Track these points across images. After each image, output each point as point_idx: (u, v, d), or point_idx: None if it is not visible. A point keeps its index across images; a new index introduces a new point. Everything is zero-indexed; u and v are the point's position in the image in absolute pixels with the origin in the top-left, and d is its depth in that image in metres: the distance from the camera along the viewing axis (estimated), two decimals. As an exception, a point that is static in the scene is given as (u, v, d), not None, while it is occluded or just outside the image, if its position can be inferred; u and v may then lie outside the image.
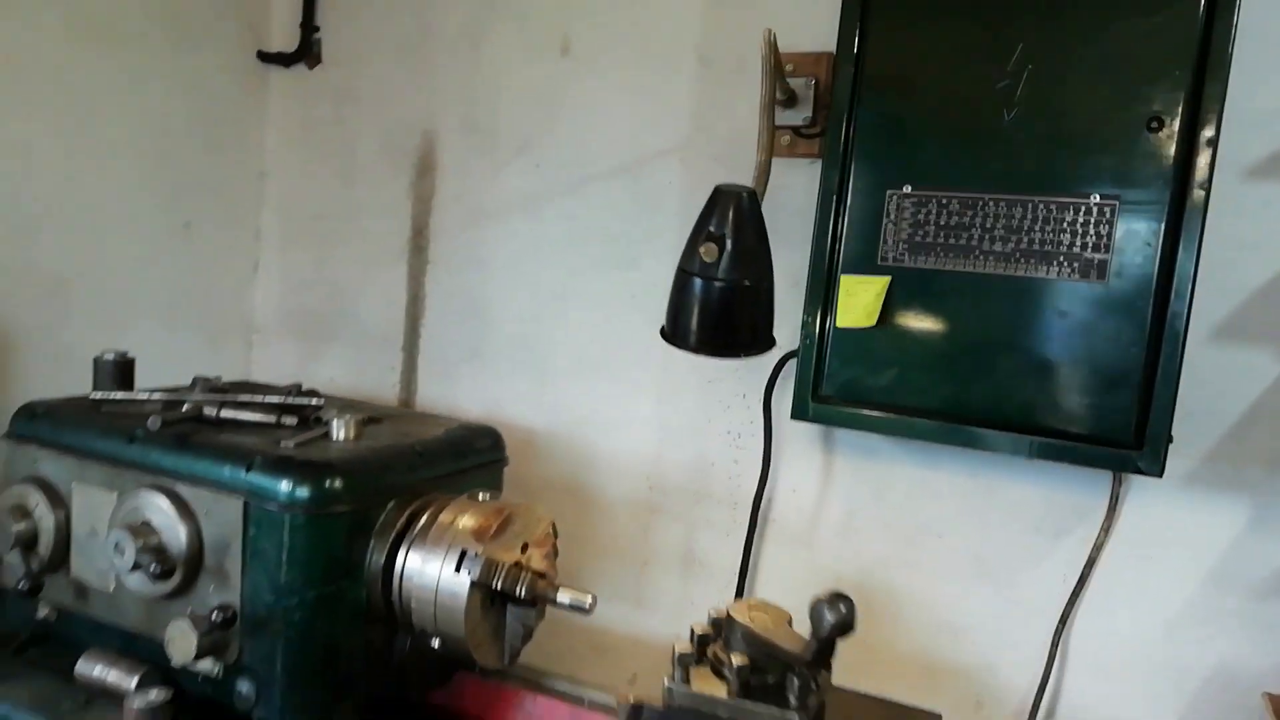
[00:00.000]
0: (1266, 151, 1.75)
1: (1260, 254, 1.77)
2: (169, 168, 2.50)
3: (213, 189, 2.65)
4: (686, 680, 1.10)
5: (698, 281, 1.35)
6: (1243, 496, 1.81)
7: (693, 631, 1.15)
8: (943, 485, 2.04)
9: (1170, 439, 1.74)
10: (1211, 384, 1.81)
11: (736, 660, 1.08)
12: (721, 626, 1.15)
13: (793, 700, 1.06)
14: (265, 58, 2.72)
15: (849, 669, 1.75)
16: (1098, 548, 1.89)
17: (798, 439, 2.16)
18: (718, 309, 1.36)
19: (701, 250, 1.31)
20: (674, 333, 1.45)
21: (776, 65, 1.61)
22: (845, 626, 1.03)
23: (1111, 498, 1.87)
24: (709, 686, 1.10)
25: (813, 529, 2.17)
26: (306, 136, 2.75)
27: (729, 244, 1.31)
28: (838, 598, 1.03)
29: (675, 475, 2.31)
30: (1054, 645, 1.93)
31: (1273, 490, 1.79)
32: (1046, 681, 1.94)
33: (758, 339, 1.46)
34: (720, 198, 1.35)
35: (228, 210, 2.72)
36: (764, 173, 1.53)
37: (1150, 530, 1.88)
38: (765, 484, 2.14)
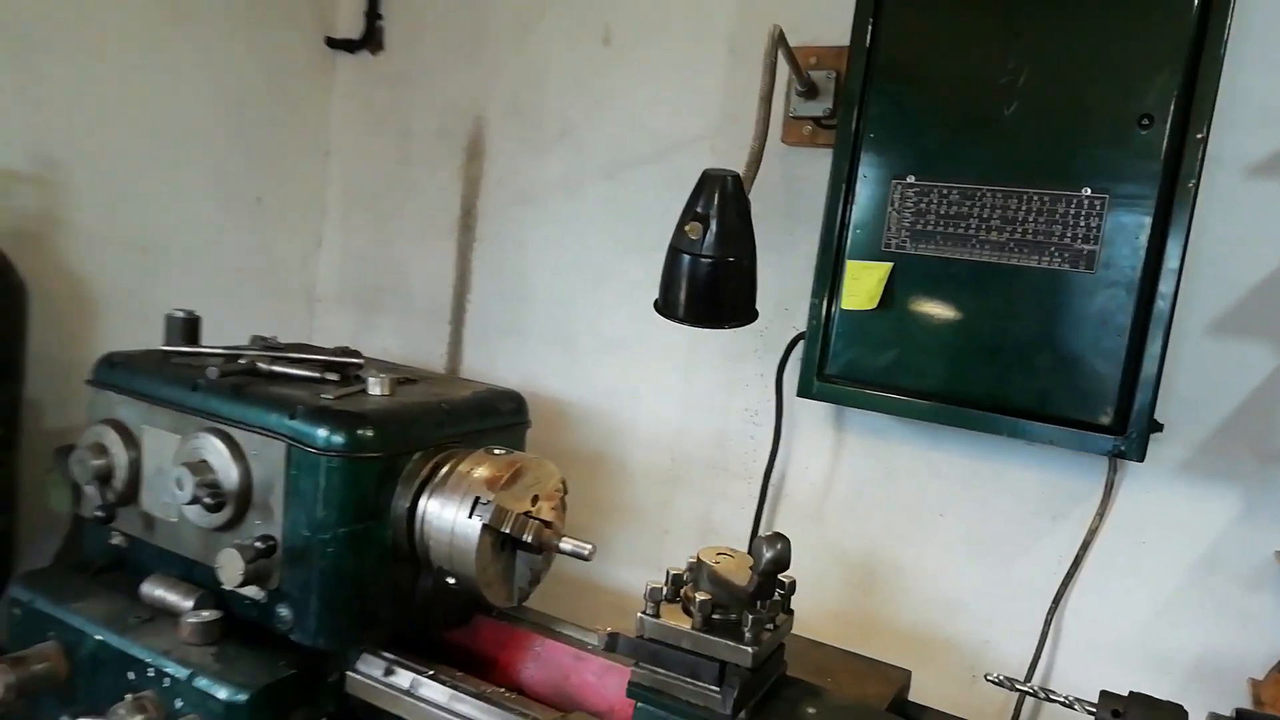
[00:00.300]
0: (1265, 152, 1.79)
1: (1257, 251, 1.81)
2: (243, 144, 2.72)
3: (282, 165, 2.86)
4: (657, 614, 1.24)
5: (685, 257, 1.48)
6: (1234, 487, 1.86)
7: (668, 573, 1.28)
8: (946, 466, 2.12)
9: (1158, 427, 1.81)
10: (1207, 376, 1.86)
11: (700, 597, 1.21)
12: (694, 569, 1.28)
13: (747, 635, 1.18)
14: (333, 43, 2.92)
15: (852, 638, 1.87)
16: (1092, 532, 1.96)
17: (811, 418, 2.26)
18: (703, 283, 1.48)
19: (688, 229, 1.43)
20: (665, 305, 1.57)
21: (790, 59, 1.72)
22: (781, 562, 1.14)
23: (1107, 484, 1.94)
24: (676, 620, 1.23)
25: (822, 504, 2.27)
26: (368, 118, 2.94)
27: (713, 223, 1.43)
28: (776, 537, 1.15)
29: (696, 449, 2.43)
30: (1047, 624, 2.01)
31: (1263, 483, 1.84)
32: (1039, 658, 2.02)
33: (740, 311, 1.58)
34: (706, 181, 1.47)
35: (295, 186, 2.93)
36: (755, 159, 1.64)
37: (1144, 516, 1.94)
38: (775, 459, 2.25)
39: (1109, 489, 1.94)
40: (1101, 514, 1.95)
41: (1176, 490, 1.91)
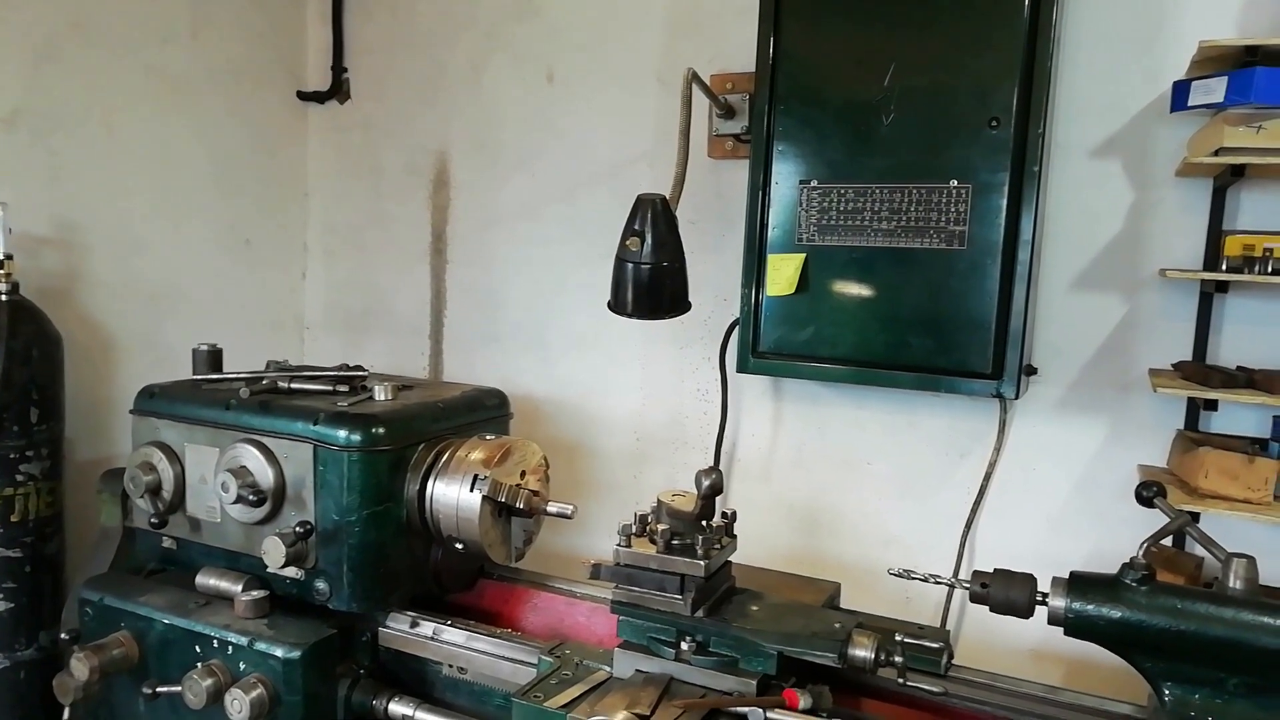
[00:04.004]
0: (1103, 136, 2.18)
1: (1103, 220, 2.20)
2: (231, 194, 3.03)
3: (266, 209, 3.18)
4: (629, 545, 1.58)
5: (629, 265, 1.83)
6: (1101, 416, 2.25)
7: (635, 514, 1.62)
8: (870, 422, 2.49)
9: (1034, 371, 2.18)
10: (1071, 326, 2.25)
11: (661, 528, 1.55)
12: (655, 509, 1.62)
13: (699, 552, 1.52)
14: (304, 96, 3.23)
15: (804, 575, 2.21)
16: (992, 465, 2.34)
17: (752, 392, 2.62)
18: (644, 285, 1.83)
19: (628, 242, 1.78)
20: (616, 304, 1.92)
21: (706, 91, 2.07)
22: (716, 487, 1.49)
23: (1000, 423, 2.32)
24: (644, 548, 1.57)
25: (769, 465, 2.63)
26: (341, 161, 3.26)
27: (648, 237, 1.78)
28: (711, 469, 1.49)
29: (656, 429, 2.78)
30: (961, 546, 2.38)
31: (1122, 410, 2.22)
32: (957, 573, 2.38)
33: (676, 304, 1.94)
34: (640, 204, 1.82)
35: (279, 227, 3.24)
36: (679, 181, 1.99)
37: (1032, 448, 2.32)
38: (724, 430, 2.61)
39: (1002, 427, 2.32)
40: (998, 449, 2.33)
41: (1055, 423, 2.29)
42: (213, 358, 2.21)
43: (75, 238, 2.56)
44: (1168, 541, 2.13)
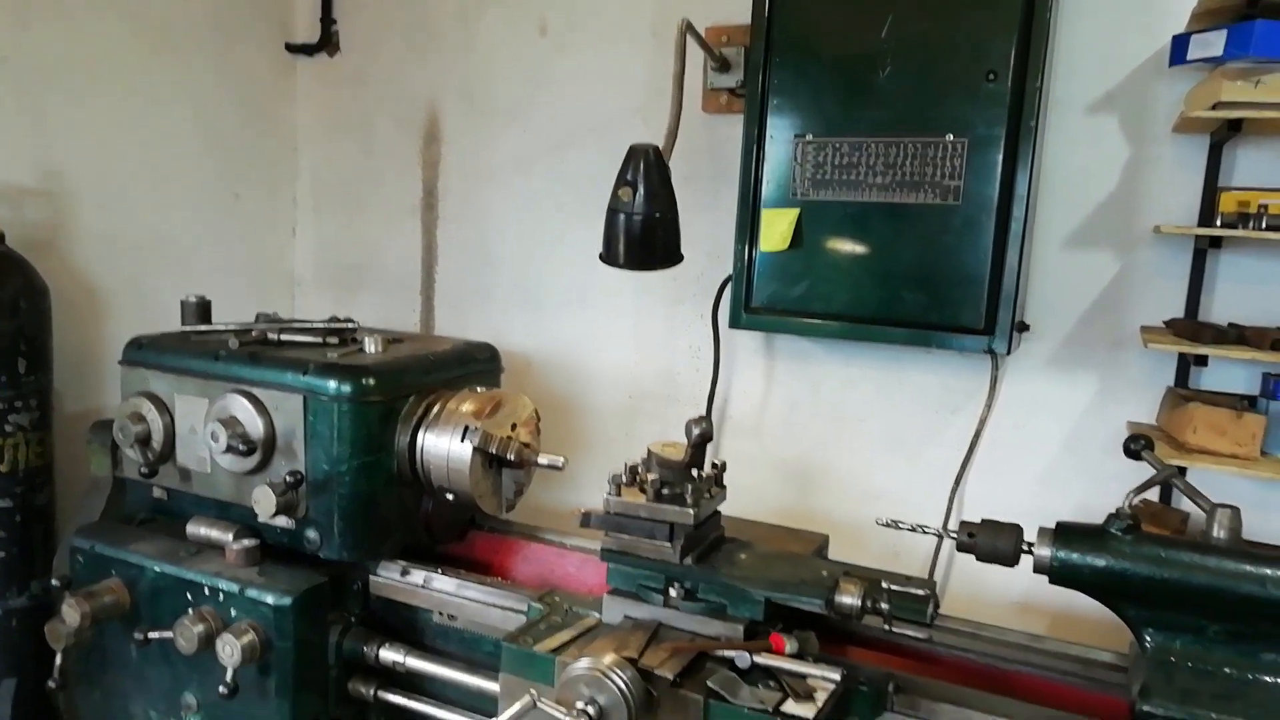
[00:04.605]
0: (1100, 91, 2.16)
1: (1098, 176, 2.19)
2: (219, 147, 2.99)
3: (255, 164, 3.14)
4: (619, 494, 1.58)
5: (620, 216, 1.81)
6: (1092, 372, 2.25)
7: (625, 464, 1.62)
8: (861, 379, 2.49)
9: (1026, 327, 2.18)
10: (1064, 282, 2.24)
11: (651, 477, 1.55)
12: (645, 459, 1.62)
13: (689, 500, 1.53)
14: (292, 48, 3.18)
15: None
16: (983, 421, 2.35)
17: (745, 349, 2.62)
18: (637, 235, 1.82)
19: (620, 192, 1.76)
20: (608, 256, 1.91)
21: (700, 43, 2.04)
22: (706, 435, 1.49)
23: (991, 379, 2.32)
24: (634, 498, 1.57)
25: (760, 421, 2.64)
26: (330, 115, 3.22)
27: (640, 187, 1.76)
28: (701, 419, 1.49)
29: (649, 385, 2.78)
30: (950, 501, 2.40)
31: (1113, 367, 2.23)
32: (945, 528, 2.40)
33: (669, 255, 1.92)
34: (632, 153, 1.80)
35: (268, 181, 3.21)
36: (672, 131, 1.98)
37: (1023, 404, 2.33)
38: (716, 387, 2.61)
39: (993, 384, 2.32)
40: (989, 405, 2.34)
41: (1046, 379, 2.29)
42: (201, 309, 2.20)
43: (60, 189, 2.53)
44: (1154, 497, 2.15)
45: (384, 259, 3.19)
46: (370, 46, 3.12)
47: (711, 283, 2.55)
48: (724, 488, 1.65)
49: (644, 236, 1.82)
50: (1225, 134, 2.04)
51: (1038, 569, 1.45)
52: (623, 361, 2.80)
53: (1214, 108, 1.88)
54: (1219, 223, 2.01)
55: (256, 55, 3.09)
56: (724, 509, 1.68)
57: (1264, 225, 1.93)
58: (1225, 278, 2.15)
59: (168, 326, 2.22)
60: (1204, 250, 2.12)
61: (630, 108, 2.70)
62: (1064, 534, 1.46)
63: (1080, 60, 2.16)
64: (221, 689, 1.75)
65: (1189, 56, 1.94)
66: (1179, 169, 2.15)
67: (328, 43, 3.15)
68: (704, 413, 2.63)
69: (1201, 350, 1.97)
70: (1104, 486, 2.25)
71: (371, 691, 1.91)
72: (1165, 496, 2.16)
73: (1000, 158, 2.01)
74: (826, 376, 2.54)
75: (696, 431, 1.46)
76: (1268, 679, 1.35)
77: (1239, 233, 1.95)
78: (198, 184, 2.94)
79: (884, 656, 1.66)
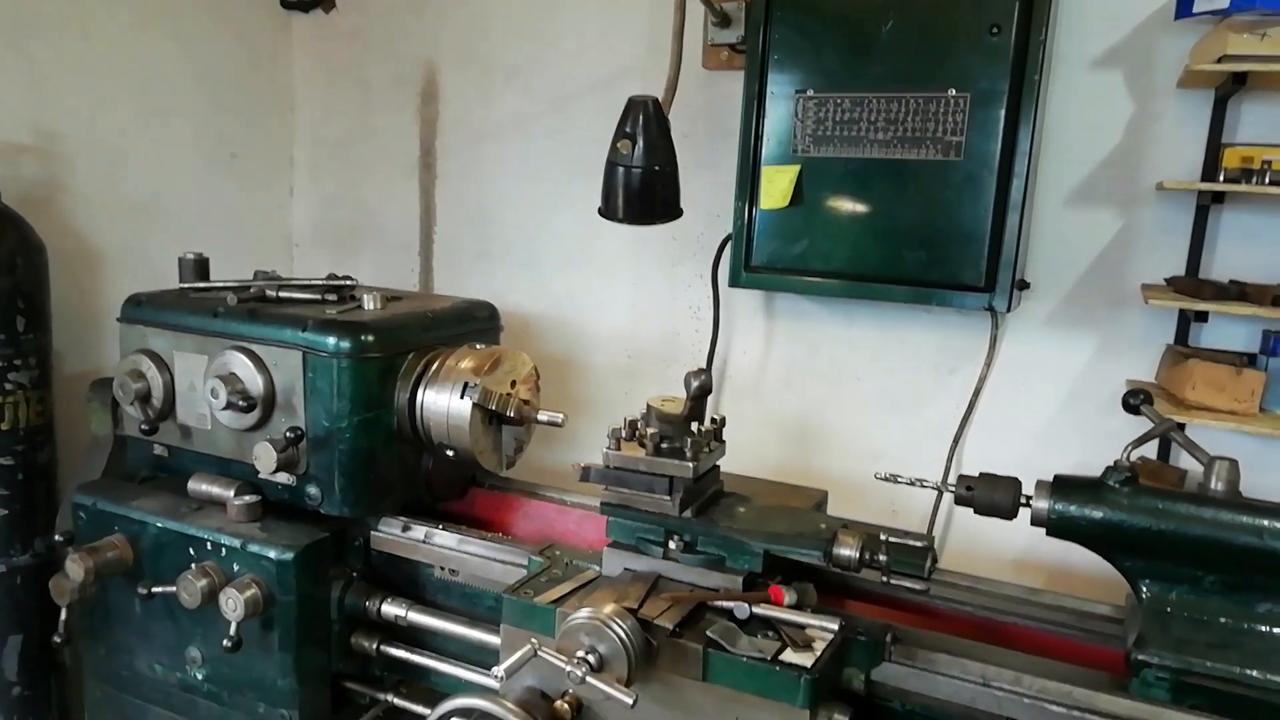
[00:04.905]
0: (1103, 48, 2.14)
1: (1101, 132, 2.17)
2: (215, 106, 2.96)
3: (252, 123, 3.11)
4: (618, 448, 1.58)
5: (619, 169, 1.79)
6: (1091, 330, 2.25)
7: (624, 419, 1.63)
8: (860, 338, 2.49)
9: (1026, 285, 2.18)
10: (1065, 240, 2.23)
11: (650, 431, 1.56)
12: (645, 414, 1.62)
13: (688, 454, 1.53)
14: (288, 4, 3.14)
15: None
16: (982, 380, 2.35)
17: (744, 309, 2.61)
18: (636, 189, 1.80)
19: (619, 145, 1.75)
20: (607, 210, 1.90)
21: (705, 0, 2.01)
22: (705, 387, 1.49)
23: (991, 338, 2.32)
24: (633, 452, 1.58)
25: (760, 381, 2.64)
26: (327, 73, 3.19)
27: (639, 140, 1.74)
28: (700, 371, 1.49)
29: (648, 346, 2.78)
30: (949, 460, 2.40)
31: (1113, 325, 2.22)
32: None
33: (668, 208, 1.91)
34: (631, 106, 1.78)
35: (265, 141, 3.18)
36: (672, 85, 1.95)
37: (1022, 363, 2.33)
38: (715, 346, 2.61)
39: (993, 343, 2.32)
40: (988, 364, 2.33)
41: (1046, 338, 2.29)
42: (199, 266, 2.19)
43: (56, 147, 2.50)
44: (1153, 454, 2.16)
45: (382, 219, 3.17)
46: (367, 3, 3.07)
47: (711, 242, 2.54)
48: (723, 442, 1.66)
49: (643, 190, 1.81)
50: (1230, 88, 2.01)
51: (1035, 521, 1.46)
52: (622, 321, 2.80)
53: (1220, 61, 1.86)
54: (1222, 178, 1.99)
55: (252, 11, 3.05)
56: (723, 467, 1.69)
57: (1268, 180, 1.92)
58: (1227, 235, 2.14)
59: (165, 285, 2.21)
60: (1206, 207, 2.11)
61: (629, 65, 2.67)
62: (1062, 486, 1.46)
63: (1085, 14, 2.13)
64: (226, 642, 1.77)
65: (1195, 9, 1.91)
66: (1183, 125, 2.13)
67: (323, -1, 3.11)
68: (703, 372, 2.62)
69: (1202, 306, 1.97)
70: (1103, 444, 2.23)
71: (374, 646, 1.93)
72: (1164, 454, 2.17)
73: (1003, 113, 1.99)
74: (826, 336, 2.53)
75: (696, 384, 1.46)
76: (1262, 628, 1.37)
77: (1242, 187, 1.94)
78: (194, 144, 2.91)
79: (882, 610, 1.68)
